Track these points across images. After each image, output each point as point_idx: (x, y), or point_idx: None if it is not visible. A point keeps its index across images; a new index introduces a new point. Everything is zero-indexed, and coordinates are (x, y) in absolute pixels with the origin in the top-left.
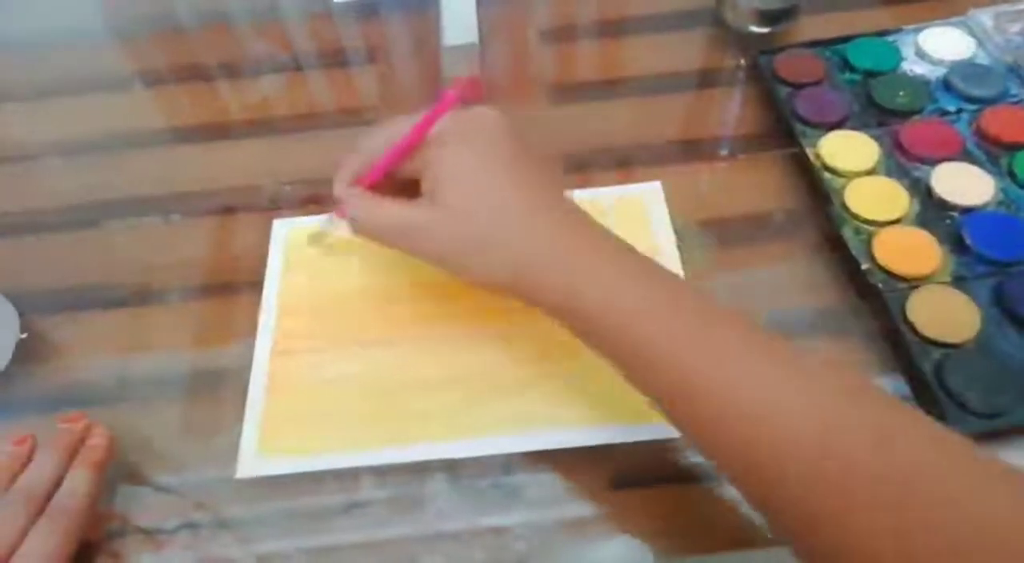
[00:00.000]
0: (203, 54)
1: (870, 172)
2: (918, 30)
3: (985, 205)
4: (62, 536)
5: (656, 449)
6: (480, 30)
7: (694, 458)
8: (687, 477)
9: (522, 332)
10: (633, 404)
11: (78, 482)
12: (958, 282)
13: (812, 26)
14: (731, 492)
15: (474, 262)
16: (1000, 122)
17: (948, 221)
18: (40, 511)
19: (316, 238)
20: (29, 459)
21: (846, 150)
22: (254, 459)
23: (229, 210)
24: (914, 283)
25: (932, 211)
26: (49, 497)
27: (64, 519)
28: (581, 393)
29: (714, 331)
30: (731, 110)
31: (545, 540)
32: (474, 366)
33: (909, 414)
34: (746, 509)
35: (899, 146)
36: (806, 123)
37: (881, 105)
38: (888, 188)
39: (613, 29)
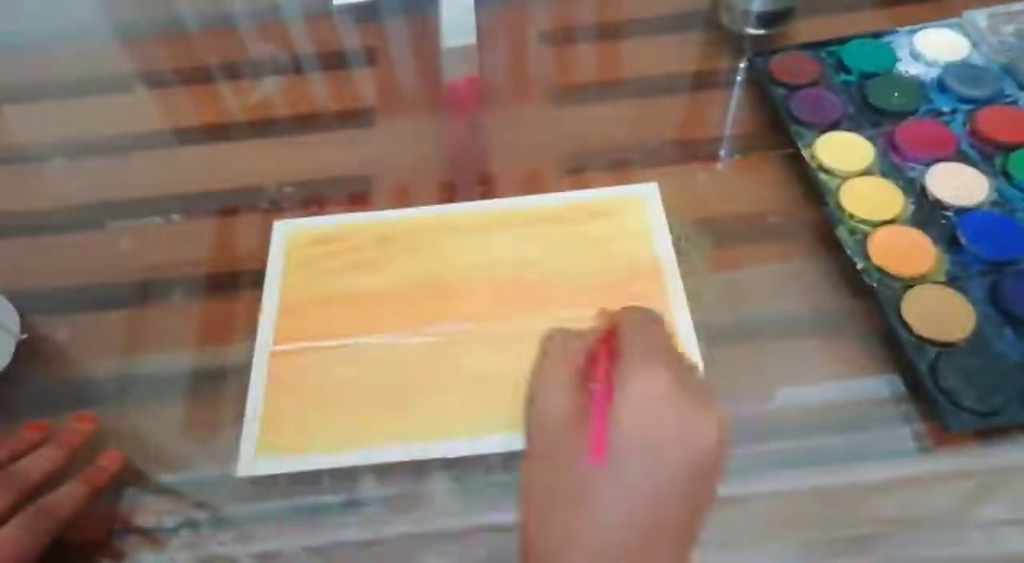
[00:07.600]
0: (205, 56)
1: (865, 172)
2: (913, 31)
3: (979, 205)
4: (35, 537)
5: None
6: (479, 32)
7: None
8: None
9: (521, 332)
10: None
11: (73, 496)
12: (953, 281)
13: (807, 28)
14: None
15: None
16: (994, 122)
17: (943, 221)
18: (24, 500)
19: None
20: (36, 446)
21: (841, 151)
22: (254, 458)
23: (230, 211)
24: (909, 282)
25: (927, 211)
26: (39, 489)
27: (44, 522)
28: None
29: None
30: (727, 111)
31: None
32: (473, 366)
33: None
34: (736, 510)
35: (894, 146)
36: (801, 124)
37: (876, 106)
38: (883, 188)
39: (611, 31)
